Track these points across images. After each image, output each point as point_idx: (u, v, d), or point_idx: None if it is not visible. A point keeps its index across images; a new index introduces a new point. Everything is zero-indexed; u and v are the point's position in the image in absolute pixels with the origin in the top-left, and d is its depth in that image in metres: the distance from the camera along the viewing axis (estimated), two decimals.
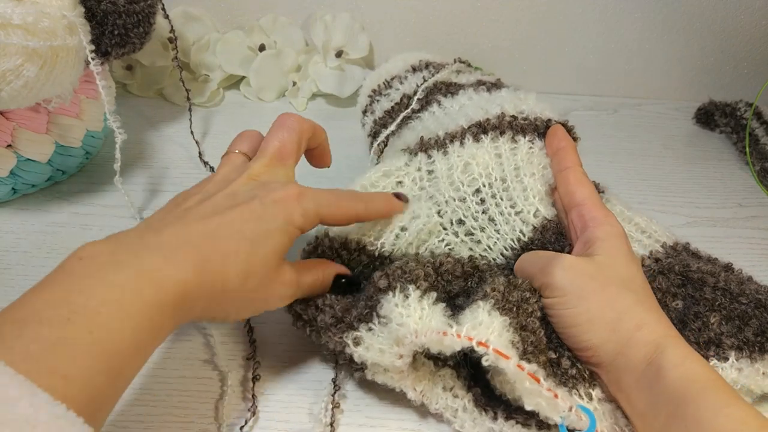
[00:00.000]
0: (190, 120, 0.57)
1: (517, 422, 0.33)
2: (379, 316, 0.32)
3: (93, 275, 0.26)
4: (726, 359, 0.35)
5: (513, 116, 0.43)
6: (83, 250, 0.27)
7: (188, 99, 0.57)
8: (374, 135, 0.53)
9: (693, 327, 0.36)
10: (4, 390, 0.21)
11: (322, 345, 0.36)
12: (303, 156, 0.39)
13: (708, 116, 0.67)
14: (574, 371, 0.34)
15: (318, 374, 0.38)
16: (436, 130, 0.44)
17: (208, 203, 0.32)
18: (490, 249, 0.41)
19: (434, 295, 0.32)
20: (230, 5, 0.65)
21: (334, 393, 0.36)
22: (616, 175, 0.58)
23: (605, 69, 0.69)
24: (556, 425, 0.31)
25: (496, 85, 0.49)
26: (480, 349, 0.29)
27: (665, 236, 0.43)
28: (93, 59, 0.43)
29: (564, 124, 0.44)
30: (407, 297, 0.31)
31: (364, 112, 0.55)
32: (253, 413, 0.35)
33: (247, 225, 0.31)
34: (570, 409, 0.30)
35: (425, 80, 0.51)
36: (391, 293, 0.32)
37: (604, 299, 0.33)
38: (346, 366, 0.36)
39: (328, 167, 0.41)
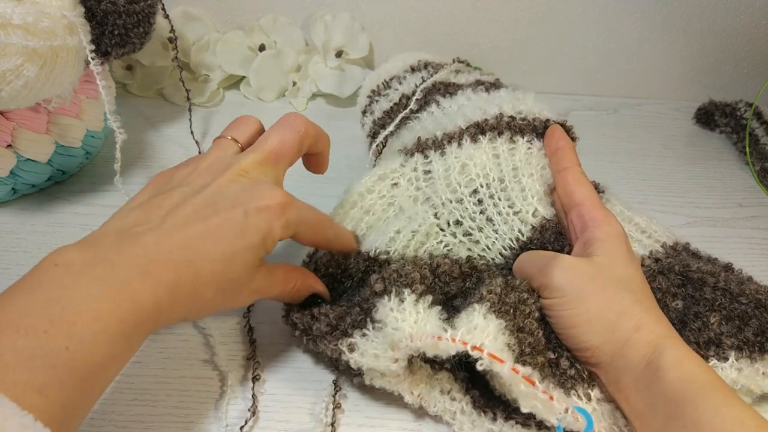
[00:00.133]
0: (190, 120, 0.57)
1: (517, 422, 0.33)
2: (374, 321, 0.32)
3: (68, 285, 0.25)
4: (726, 359, 0.35)
5: (511, 116, 0.43)
6: (58, 257, 0.27)
7: (188, 99, 0.57)
8: (373, 135, 0.53)
9: (693, 327, 0.36)
10: None
11: (321, 352, 0.36)
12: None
13: (708, 116, 0.67)
14: (572, 372, 0.34)
15: (318, 374, 0.38)
16: (434, 131, 0.44)
17: (188, 206, 0.30)
18: (489, 249, 0.41)
19: (430, 298, 0.32)
20: (230, 5, 0.65)
21: (335, 393, 0.36)
22: (616, 175, 0.58)
23: (605, 69, 0.69)
24: (554, 426, 0.31)
25: (495, 85, 0.49)
26: (475, 354, 0.29)
27: (665, 236, 0.43)
28: (93, 59, 0.43)
29: (562, 124, 0.44)
30: (402, 301, 0.32)
31: (364, 112, 0.55)
32: (253, 413, 0.35)
33: (225, 240, 0.30)
34: (566, 411, 0.30)
35: (424, 80, 0.51)
36: (386, 297, 0.32)
37: (603, 300, 0.33)
38: (346, 372, 0.36)
39: (322, 174, 0.40)
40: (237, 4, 0.65)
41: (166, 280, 0.27)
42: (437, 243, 0.41)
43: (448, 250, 0.41)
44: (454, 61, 0.55)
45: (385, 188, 0.42)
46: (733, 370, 0.34)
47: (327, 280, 0.38)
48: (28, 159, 0.46)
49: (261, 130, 0.37)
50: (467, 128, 0.42)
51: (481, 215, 0.41)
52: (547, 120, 0.43)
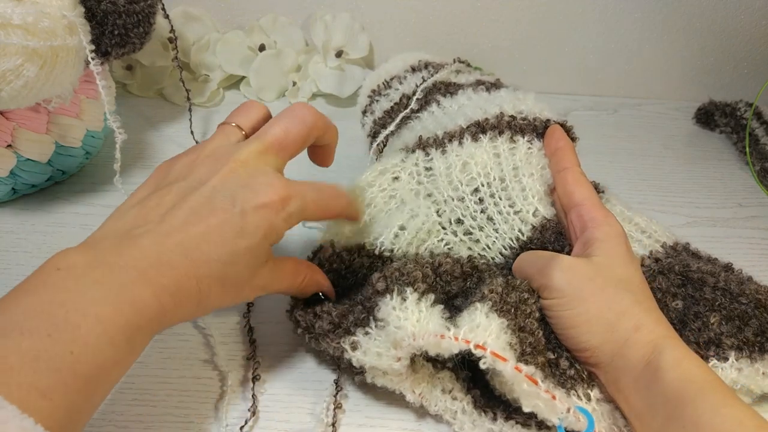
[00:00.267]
0: (190, 120, 0.57)
1: (517, 422, 0.33)
2: (376, 320, 0.32)
3: (71, 288, 0.25)
4: (726, 359, 0.35)
5: (512, 116, 0.43)
6: (61, 260, 0.27)
7: (188, 99, 0.57)
8: (374, 135, 0.53)
9: (693, 327, 0.36)
10: None
11: (323, 351, 0.36)
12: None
13: (708, 116, 0.67)
14: (572, 372, 0.34)
15: (318, 374, 0.38)
16: (435, 130, 0.44)
17: (186, 205, 0.30)
18: (489, 248, 0.41)
19: (432, 297, 0.32)
20: (230, 5, 0.65)
21: (336, 393, 0.36)
22: (616, 175, 0.58)
23: (605, 69, 0.69)
24: (555, 426, 0.31)
25: (496, 85, 0.49)
26: (478, 352, 0.29)
27: (665, 236, 0.43)
28: (93, 59, 0.43)
29: (562, 124, 0.44)
30: (405, 300, 0.32)
31: (364, 112, 0.55)
32: (253, 413, 0.35)
33: (226, 241, 0.29)
34: (568, 411, 0.30)
35: (424, 80, 0.51)
36: (388, 296, 0.32)
37: (603, 300, 0.33)
38: (347, 370, 0.36)
39: (326, 168, 0.39)
40: (237, 4, 0.65)
41: (167, 283, 0.27)
42: (438, 241, 0.41)
43: (448, 248, 0.41)
44: (454, 61, 0.55)
45: (386, 182, 0.42)
46: (733, 370, 0.34)
47: (331, 276, 0.38)
48: (28, 159, 0.46)
49: (267, 117, 0.36)
50: (468, 127, 0.42)
51: (482, 214, 0.41)
52: (548, 120, 0.43)
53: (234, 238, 0.29)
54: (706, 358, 0.35)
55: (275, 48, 0.65)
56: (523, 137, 0.42)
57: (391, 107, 0.52)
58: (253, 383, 0.36)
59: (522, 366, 0.29)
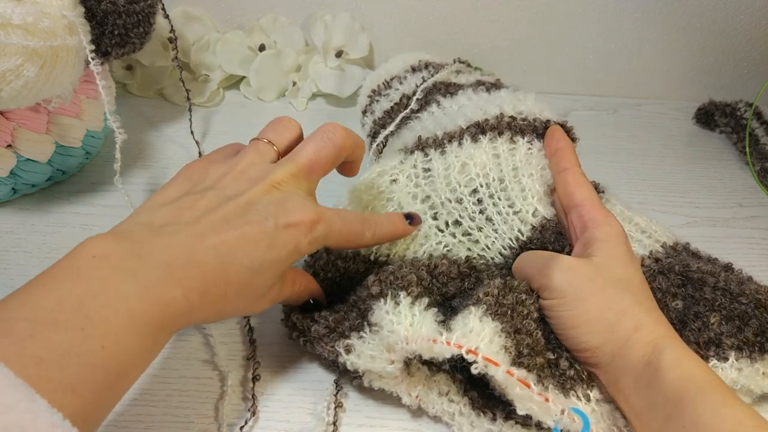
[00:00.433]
0: (190, 120, 0.57)
1: (517, 422, 0.33)
2: (370, 324, 0.33)
3: (106, 279, 0.25)
4: (726, 359, 0.35)
5: (512, 117, 0.43)
6: (95, 246, 0.27)
7: (188, 99, 0.57)
8: (374, 135, 0.53)
9: (693, 327, 0.36)
10: (1, 394, 0.21)
11: (319, 355, 0.36)
12: None
13: (708, 116, 0.67)
14: (572, 372, 0.34)
15: (318, 374, 0.38)
16: (434, 131, 0.44)
17: (221, 212, 0.30)
18: (488, 248, 0.41)
19: (426, 300, 0.32)
20: (230, 5, 0.65)
21: (337, 393, 0.36)
22: (616, 175, 0.58)
23: (605, 69, 0.69)
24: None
25: (496, 86, 0.49)
26: (470, 357, 0.30)
27: (665, 236, 0.43)
28: (93, 59, 0.43)
29: (563, 125, 0.44)
30: (398, 304, 0.32)
31: (364, 112, 0.55)
32: (253, 413, 0.35)
33: (257, 251, 0.30)
34: (562, 412, 0.30)
35: (424, 80, 0.51)
36: (382, 300, 0.32)
37: (603, 300, 0.33)
38: (345, 372, 0.36)
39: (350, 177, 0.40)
40: (237, 4, 0.65)
41: (196, 284, 0.28)
42: (437, 244, 0.41)
43: (447, 250, 0.41)
44: (454, 62, 0.55)
45: (384, 184, 0.42)
46: (733, 370, 0.34)
47: (327, 283, 0.38)
48: (28, 159, 0.46)
49: (300, 137, 0.36)
50: (468, 128, 0.42)
51: (481, 215, 0.41)
52: (548, 120, 0.43)
53: (265, 249, 0.30)
54: (706, 358, 0.35)
55: (275, 48, 0.65)
56: (523, 138, 0.42)
57: (391, 107, 0.52)
58: (253, 383, 0.36)
59: (514, 370, 0.29)
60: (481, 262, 0.39)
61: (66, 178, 0.51)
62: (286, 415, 0.36)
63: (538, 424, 0.33)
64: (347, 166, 0.38)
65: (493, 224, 0.41)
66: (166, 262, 0.27)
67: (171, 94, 0.63)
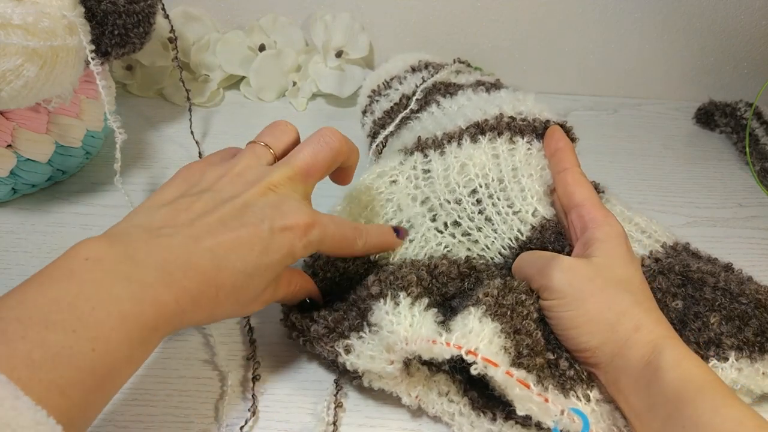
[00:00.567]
0: (190, 120, 0.57)
1: (517, 422, 0.33)
2: (370, 324, 0.33)
3: (99, 282, 0.26)
4: (726, 359, 0.35)
5: (511, 117, 0.43)
6: (89, 250, 0.27)
7: (188, 99, 0.57)
8: (373, 135, 0.53)
9: (693, 327, 0.36)
10: None
11: (319, 354, 0.36)
12: None
13: (708, 116, 0.67)
14: (572, 372, 0.34)
15: (318, 374, 0.38)
16: (434, 131, 0.44)
17: (217, 214, 0.30)
18: (488, 248, 0.41)
19: (426, 301, 0.32)
20: (230, 5, 0.65)
21: (337, 393, 0.36)
22: (616, 175, 0.58)
23: (605, 69, 0.69)
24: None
25: (495, 86, 0.49)
26: (469, 358, 0.30)
27: (665, 236, 0.43)
28: (93, 59, 0.43)
29: (562, 125, 0.44)
30: (398, 304, 0.32)
31: (364, 112, 0.55)
32: (253, 413, 0.35)
33: (251, 254, 0.30)
34: (562, 413, 0.30)
35: (424, 81, 0.51)
36: (382, 300, 0.32)
37: (603, 301, 0.33)
38: (345, 373, 0.36)
39: (344, 186, 0.40)
40: (237, 4, 0.65)
41: (190, 286, 0.28)
42: (437, 245, 0.41)
43: (447, 250, 0.41)
44: (454, 62, 0.55)
45: (383, 185, 0.42)
46: (733, 370, 0.34)
47: (327, 283, 0.38)
48: (28, 159, 0.46)
49: (297, 141, 0.36)
50: (467, 128, 0.42)
51: (480, 215, 0.41)
52: (548, 121, 0.43)
53: (259, 252, 0.30)
54: (706, 358, 0.35)
55: (275, 48, 0.65)
56: (523, 138, 0.42)
57: (391, 107, 0.52)
58: (253, 383, 0.36)
59: (513, 370, 0.29)
60: (481, 262, 0.39)
61: (66, 178, 0.51)
62: (286, 415, 0.36)
63: (538, 425, 0.33)
64: (341, 173, 0.38)
65: (493, 224, 0.41)
66: (161, 266, 0.27)
67: (171, 94, 0.63)
